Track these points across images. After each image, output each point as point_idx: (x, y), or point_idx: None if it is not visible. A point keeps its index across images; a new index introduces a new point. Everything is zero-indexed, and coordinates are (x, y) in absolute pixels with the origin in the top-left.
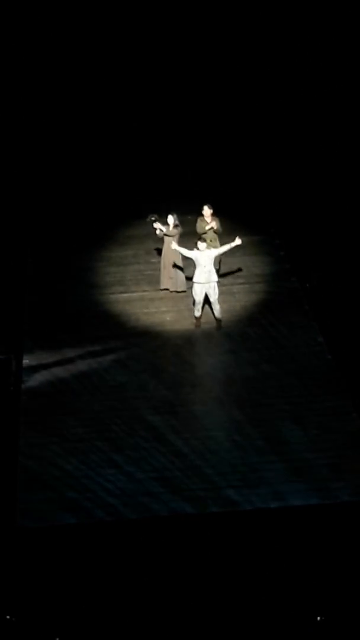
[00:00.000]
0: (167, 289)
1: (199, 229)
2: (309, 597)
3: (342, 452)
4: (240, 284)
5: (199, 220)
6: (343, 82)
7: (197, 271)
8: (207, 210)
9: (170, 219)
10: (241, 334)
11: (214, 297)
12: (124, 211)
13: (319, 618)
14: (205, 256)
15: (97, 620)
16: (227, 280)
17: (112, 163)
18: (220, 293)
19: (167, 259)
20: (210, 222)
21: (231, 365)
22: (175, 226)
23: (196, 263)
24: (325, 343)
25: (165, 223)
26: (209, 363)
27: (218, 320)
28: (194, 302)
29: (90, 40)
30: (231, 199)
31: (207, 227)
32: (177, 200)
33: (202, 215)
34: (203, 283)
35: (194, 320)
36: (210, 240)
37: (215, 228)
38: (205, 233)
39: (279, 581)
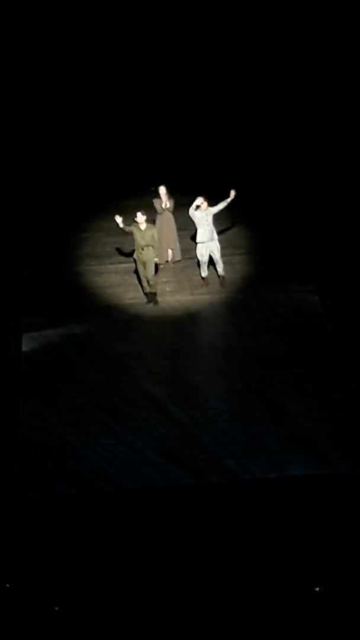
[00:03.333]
0: (162, 264)
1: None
2: (308, 567)
3: (342, 423)
4: (240, 254)
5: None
6: (345, 60)
7: (199, 231)
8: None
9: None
10: (241, 305)
11: (217, 255)
12: (124, 181)
13: (317, 589)
14: (205, 215)
15: (96, 589)
16: (227, 250)
17: (112, 133)
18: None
19: (165, 232)
20: (145, 229)
21: (231, 335)
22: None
23: (198, 223)
24: (325, 314)
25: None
26: (208, 333)
27: (221, 277)
28: (198, 263)
29: (91, 19)
30: (231, 169)
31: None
32: (178, 171)
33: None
34: (206, 242)
35: (201, 282)
36: (146, 246)
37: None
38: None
39: (278, 551)
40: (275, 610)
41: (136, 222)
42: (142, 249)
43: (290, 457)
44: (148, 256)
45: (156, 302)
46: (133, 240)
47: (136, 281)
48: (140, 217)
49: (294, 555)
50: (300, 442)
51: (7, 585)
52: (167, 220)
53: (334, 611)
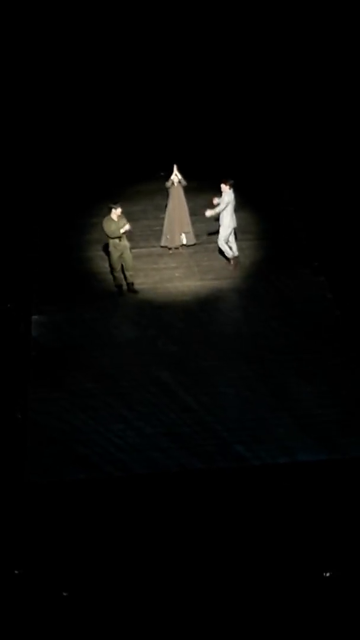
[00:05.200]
0: (175, 248)
1: (110, 231)
2: (317, 553)
3: (351, 408)
4: (249, 240)
5: (107, 220)
6: (355, 44)
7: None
8: (118, 210)
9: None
10: (250, 290)
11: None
12: (133, 167)
13: (326, 574)
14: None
15: (105, 575)
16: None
17: (120, 119)
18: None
19: (178, 215)
20: (119, 220)
21: (240, 321)
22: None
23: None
24: (334, 299)
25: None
26: (217, 319)
27: (234, 258)
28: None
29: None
30: (240, 154)
31: (122, 231)
32: (186, 156)
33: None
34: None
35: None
36: (120, 240)
37: (128, 229)
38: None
39: (287, 536)
40: (284, 595)
41: (113, 212)
42: (120, 239)
43: (300, 442)
44: (125, 244)
45: (135, 291)
46: (106, 234)
47: (145, 266)
48: (116, 210)
49: (303, 540)
50: (309, 428)
51: (16, 571)
52: (179, 202)
53: (343, 596)
